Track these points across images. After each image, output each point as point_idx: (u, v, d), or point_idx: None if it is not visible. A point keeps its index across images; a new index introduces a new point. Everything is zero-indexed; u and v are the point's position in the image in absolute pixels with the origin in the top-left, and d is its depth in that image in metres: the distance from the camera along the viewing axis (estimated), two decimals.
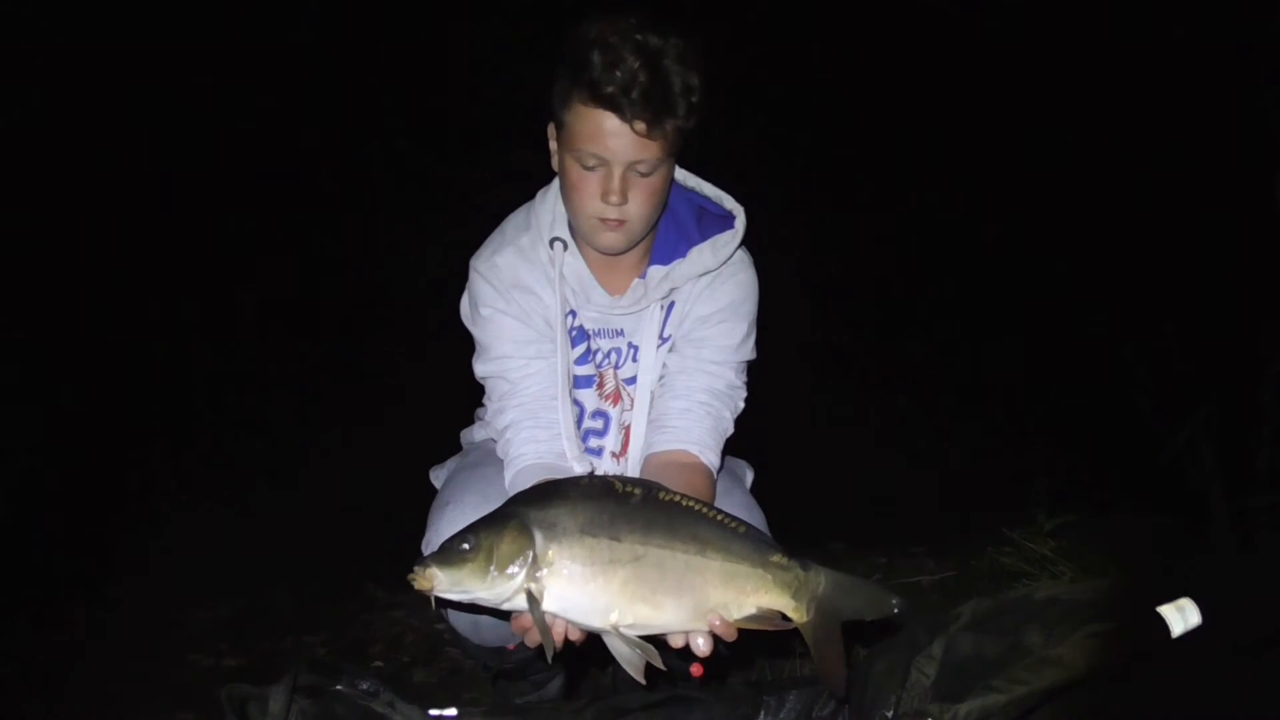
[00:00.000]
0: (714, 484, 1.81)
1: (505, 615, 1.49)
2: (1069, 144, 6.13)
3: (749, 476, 2.06)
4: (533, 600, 1.37)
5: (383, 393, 5.41)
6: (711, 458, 1.79)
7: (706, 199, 1.88)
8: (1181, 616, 1.39)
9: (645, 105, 1.58)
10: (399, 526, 1.85)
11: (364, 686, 1.55)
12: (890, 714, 1.62)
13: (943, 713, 1.25)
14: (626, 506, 1.41)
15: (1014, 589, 2.01)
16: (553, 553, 1.37)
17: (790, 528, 1.77)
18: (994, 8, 6.31)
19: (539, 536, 1.37)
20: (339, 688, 1.54)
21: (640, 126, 1.60)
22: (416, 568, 1.38)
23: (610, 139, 1.61)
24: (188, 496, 4.15)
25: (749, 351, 1.90)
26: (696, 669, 1.90)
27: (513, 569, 1.36)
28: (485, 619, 1.77)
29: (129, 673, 2.68)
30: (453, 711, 1.65)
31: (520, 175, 1.96)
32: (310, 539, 3.74)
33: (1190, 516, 2.64)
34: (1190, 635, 1.39)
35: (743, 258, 1.88)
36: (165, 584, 3.29)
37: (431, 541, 1.76)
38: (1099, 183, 5.87)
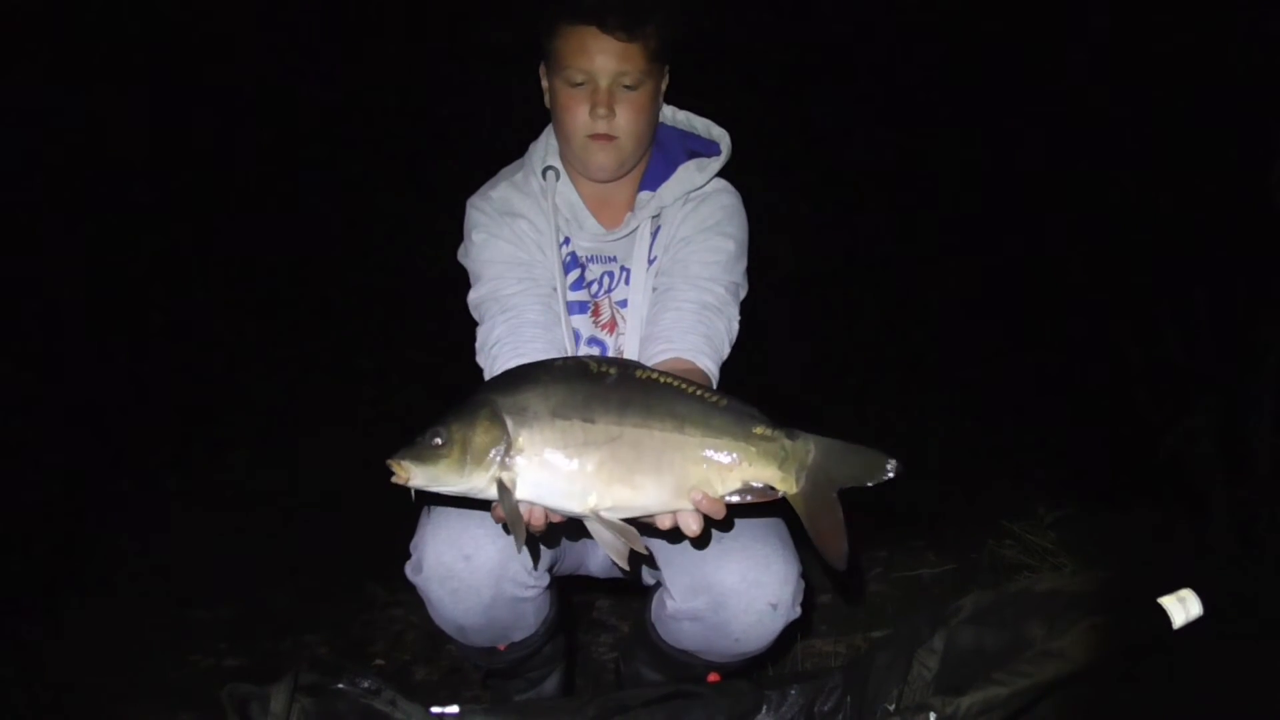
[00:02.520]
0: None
1: (484, 505, 1.44)
2: (1069, 139, 6.13)
3: None
4: (504, 489, 1.34)
5: (382, 391, 5.40)
6: (707, 363, 1.74)
7: (695, 134, 1.94)
8: (1183, 607, 1.40)
9: (624, 12, 1.69)
10: (398, 525, 1.85)
11: (365, 685, 1.55)
12: (892, 707, 1.62)
13: (944, 706, 1.24)
14: (601, 386, 1.37)
15: (1015, 581, 2.02)
16: (523, 439, 1.34)
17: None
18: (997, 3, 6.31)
19: (510, 423, 1.34)
20: (340, 686, 1.54)
21: (621, 34, 1.70)
22: (391, 463, 1.35)
23: (594, 53, 1.71)
24: (187, 496, 4.15)
25: (739, 276, 1.89)
26: (713, 677, 1.91)
27: (487, 459, 1.33)
28: (470, 625, 1.77)
29: (129, 673, 2.67)
30: (454, 709, 1.65)
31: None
32: (310, 538, 3.74)
33: (1191, 508, 2.64)
34: (1192, 626, 1.39)
35: (726, 185, 1.92)
36: (165, 584, 3.28)
37: (418, 544, 1.76)
38: (1097, 176, 5.87)
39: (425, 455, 1.34)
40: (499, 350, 1.76)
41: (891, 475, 1.36)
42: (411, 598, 3.10)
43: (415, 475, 1.34)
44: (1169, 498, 2.71)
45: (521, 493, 1.35)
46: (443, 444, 1.33)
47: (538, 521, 1.39)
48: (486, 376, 1.78)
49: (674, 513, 1.39)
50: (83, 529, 3.77)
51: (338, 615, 3.11)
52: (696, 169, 1.87)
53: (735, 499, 1.38)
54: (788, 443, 1.37)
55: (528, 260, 1.84)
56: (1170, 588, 1.42)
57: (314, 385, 5.41)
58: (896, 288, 6.33)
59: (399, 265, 5.95)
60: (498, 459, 1.33)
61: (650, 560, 1.79)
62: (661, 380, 1.40)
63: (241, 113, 6.28)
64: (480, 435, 1.33)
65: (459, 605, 1.73)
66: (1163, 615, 1.39)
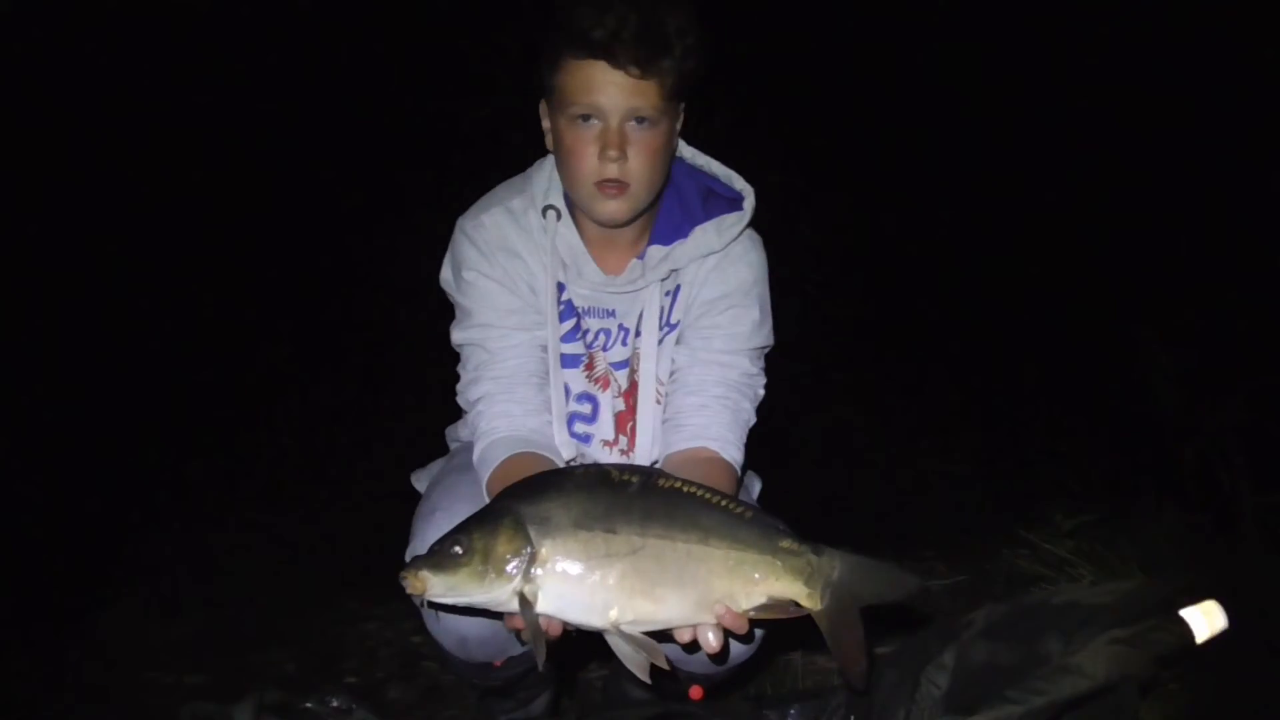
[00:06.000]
0: (737, 479, 1.80)
1: (497, 616, 1.49)
2: (1090, 135, 6.17)
3: (756, 487, 2.06)
4: (525, 603, 1.37)
5: (356, 397, 5.39)
6: (733, 452, 1.78)
7: (715, 179, 1.87)
8: (1207, 620, 1.40)
9: (638, 46, 1.60)
10: (371, 534, 1.85)
11: (335, 704, 1.55)
12: None
13: None
14: (623, 496, 1.40)
15: (1030, 593, 2.02)
16: (546, 550, 1.37)
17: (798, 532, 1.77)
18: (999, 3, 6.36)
19: (533, 533, 1.37)
20: (308, 705, 1.54)
21: (634, 70, 1.61)
22: (407, 572, 1.38)
23: (605, 88, 1.63)
24: (148, 505, 4.13)
25: (765, 338, 1.88)
26: (696, 692, 1.91)
27: (509, 570, 1.37)
28: (473, 636, 1.76)
29: (86, 691, 2.66)
30: None
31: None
32: (277, 548, 3.73)
33: (1216, 515, 2.66)
34: (1216, 640, 1.40)
35: (752, 237, 1.87)
36: (124, 598, 3.27)
37: (419, 548, 1.74)
38: (1121, 175, 5.91)
39: (445, 564, 1.37)
40: (484, 407, 1.78)
41: (916, 594, 1.43)
42: (386, 611, 3.12)
43: (433, 585, 1.37)
44: (1194, 504, 2.72)
45: (542, 605, 1.39)
46: (463, 553, 1.37)
47: (555, 633, 1.43)
48: (469, 428, 1.82)
49: (694, 626, 1.43)
50: (38, 544, 3.75)
51: (306, 629, 3.10)
52: (715, 231, 1.80)
53: (757, 614, 1.42)
54: (814, 558, 1.41)
55: (519, 307, 1.80)
56: (1194, 599, 1.42)
57: (284, 392, 5.39)
58: (906, 293, 6.36)
59: (383, 277, 5.94)
60: (520, 570, 1.37)
61: (671, 674, 1.82)
62: (685, 490, 1.43)
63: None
64: (503, 545, 1.37)
65: (466, 611, 1.73)
66: (1186, 628, 1.39)
